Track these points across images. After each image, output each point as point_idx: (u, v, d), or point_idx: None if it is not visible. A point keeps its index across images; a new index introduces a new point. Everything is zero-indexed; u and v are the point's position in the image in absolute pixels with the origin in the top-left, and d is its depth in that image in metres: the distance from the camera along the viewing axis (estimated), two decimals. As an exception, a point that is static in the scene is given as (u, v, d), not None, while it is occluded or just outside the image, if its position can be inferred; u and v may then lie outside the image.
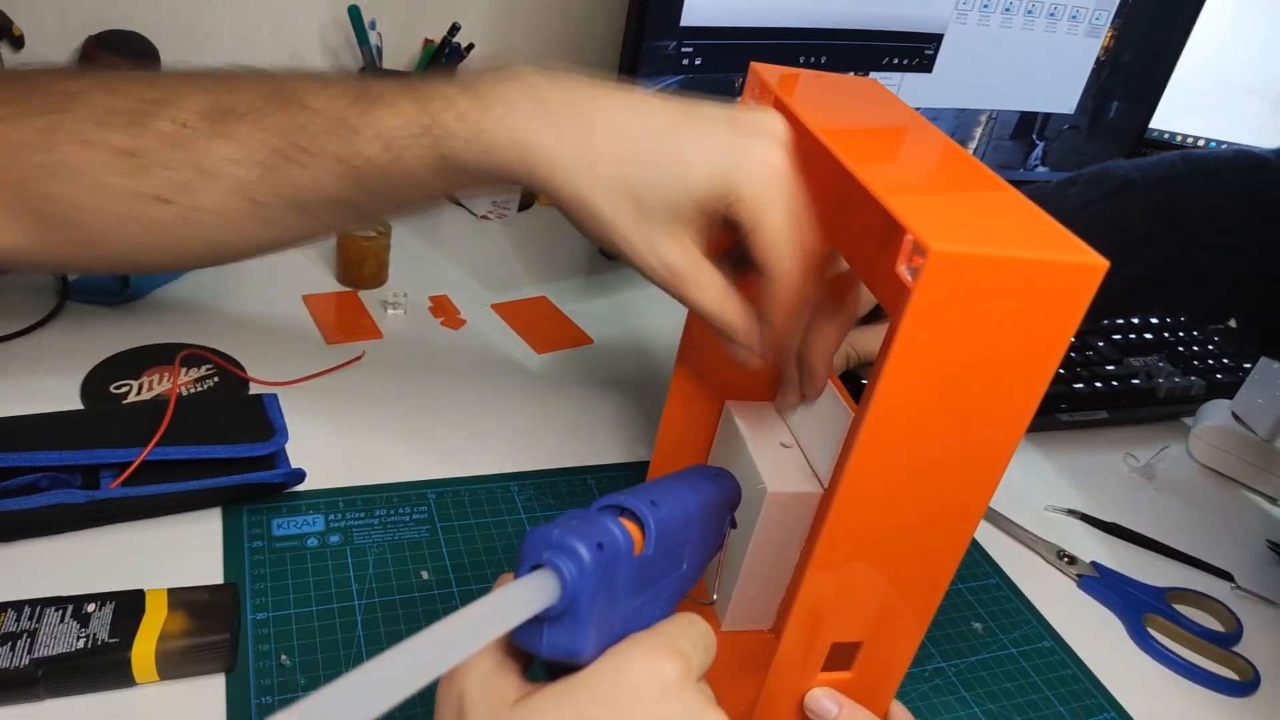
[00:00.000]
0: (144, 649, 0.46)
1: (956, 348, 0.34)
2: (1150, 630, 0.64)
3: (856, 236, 0.48)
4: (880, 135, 0.42)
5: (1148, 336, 0.97)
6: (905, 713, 0.47)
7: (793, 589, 0.41)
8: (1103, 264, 0.33)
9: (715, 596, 0.47)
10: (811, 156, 0.48)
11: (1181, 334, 0.99)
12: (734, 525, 0.46)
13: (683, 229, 0.43)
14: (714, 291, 0.44)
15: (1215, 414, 0.85)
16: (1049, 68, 0.97)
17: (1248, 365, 0.96)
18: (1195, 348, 0.97)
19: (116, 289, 0.74)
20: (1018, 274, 0.32)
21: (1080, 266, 0.33)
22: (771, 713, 0.45)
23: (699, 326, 0.55)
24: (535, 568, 0.32)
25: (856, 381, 0.77)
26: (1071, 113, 1.01)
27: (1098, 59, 0.98)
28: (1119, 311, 0.73)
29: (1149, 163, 0.66)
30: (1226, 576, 0.72)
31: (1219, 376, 0.93)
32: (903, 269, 0.33)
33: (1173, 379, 0.90)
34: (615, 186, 0.41)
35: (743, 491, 0.53)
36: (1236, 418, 0.83)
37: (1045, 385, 0.36)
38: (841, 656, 0.44)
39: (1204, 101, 1.10)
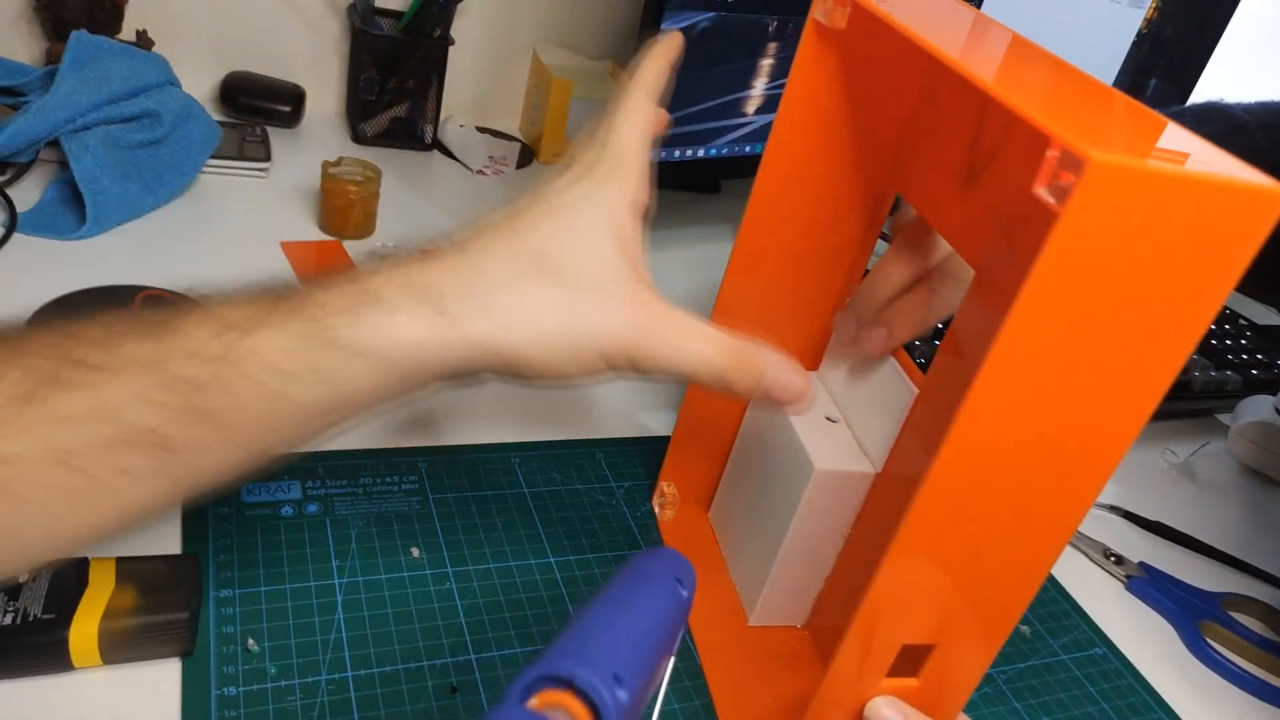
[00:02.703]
0: (84, 629, 0.39)
1: (1102, 293, 0.28)
2: (1207, 638, 0.59)
3: (936, 168, 0.42)
4: (985, 49, 0.36)
5: (1180, 328, 0.92)
6: (972, 727, 0.41)
7: (862, 581, 0.35)
8: (1287, 192, 0.27)
9: None
10: (892, 66, 0.42)
11: (1213, 327, 0.94)
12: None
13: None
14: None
15: (1258, 410, 0.79)
16: (1088, 38, 0.92)
17: (1282, 362, 0.91)
18: (1229, 341, 0.92)
19: (74, 224, 0.67)
20: (1189, 196, 0.26)
21: (1263, 191, 0.27)
22: (823, 723, 0.39)
23: (734, 282, 0.49)
24: None
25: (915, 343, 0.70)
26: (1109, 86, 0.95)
27: (1139, 31, 0.93)
28: None
29: (1256, 106, 0.60)
30: (1276, 583, 0.66)
31: (1254, 373, 0.88)
32: (1042, 191, 0.27)
33: (1208, 373, 0.85)
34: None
35: (784, 470, 0.47)
36: (1281, 414, 0.78)
37: (1197, 341, 0.29)
38: (908, 661, 0.38)
39: (1243, 81, 1.05)
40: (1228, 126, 0.59)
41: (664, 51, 0.42)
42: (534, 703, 0.27)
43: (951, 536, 0.33)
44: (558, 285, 0.36)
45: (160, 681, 0.40)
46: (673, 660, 0.35)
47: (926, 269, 0.45)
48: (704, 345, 0.37)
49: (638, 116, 0.40)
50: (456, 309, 0.34)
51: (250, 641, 0.43)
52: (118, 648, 0.40)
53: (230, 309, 0.33)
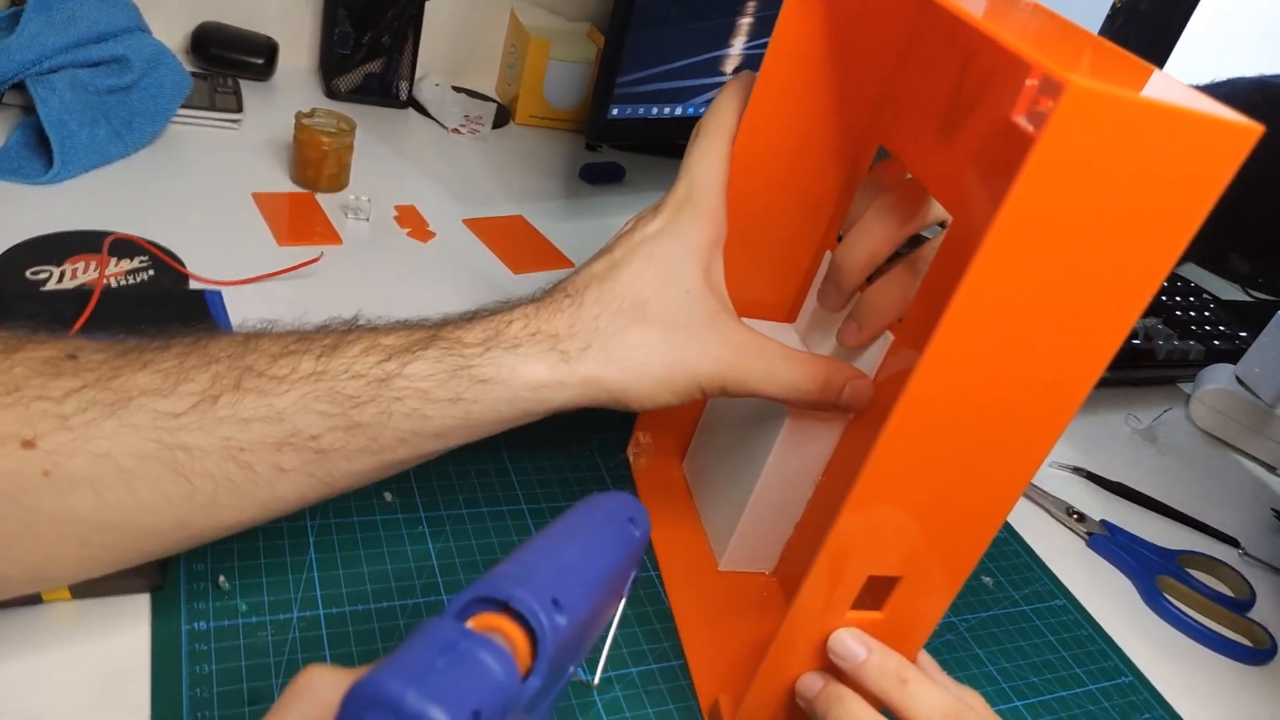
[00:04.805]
0: (53, 559, 0.38)
1: (1076, 221, 0.28)
2: (1164, 593, 0.60)
3: (920, 113, 0.42)
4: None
5: (1145, 299, 0.93)
6: (934, 664, 0.42)
7: (824, 524, 0.35)
8: (1257, 129, 0.27)
9: (596, 680, 0.36)
10: (878, 12, 0.42)
11: (1179, 299, 0.96)
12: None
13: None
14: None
15: (1218, 378, 0.81)
16: (1062, 9, 0.92)
17: (1243, 333, 0.93)
18: (1192, 313, 0.94)
19: (40, 168, 0.65)
20: (1164, 125, 0.27)
21: (1237, 127, 0.27)
22: (788, 654, 0.39)
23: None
24: None
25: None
26: (1082, 60, 0.96)
27: (1114, 5, 0.93)
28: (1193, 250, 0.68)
29: (1227, 91, 0.61)
30: (1232, 543, 0.68)
31: (1216, 343, 0.90)
32: (1021, 119, 0.27)
33: (1171, 342, 0.87)
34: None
35: (757, 419, 0.48)
36: (1241, 382, 0.80)
37: (1162, 280, 0.30)
38: (872, 594, 0.38)
39: (1212, 59, 1.06)
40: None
41: (738, 92, 0.44)
42: (470, 625, 0.26)
43: (916, 470, 0.34)
44: (656, 327, 0.40)
45: (130, 615, 0.40)
46: (623, 602, 0.35)
47: (902, 236, 0.44)
48: (787, 370, 0.41)
49: (713, 157, 0.43)
50: (574, 353, 0.39)
51: (221, 579, 0.43)
52: (86, 581, 0.39)
53: (387, 338, 0.38)
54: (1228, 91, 0.65)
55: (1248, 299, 1.10)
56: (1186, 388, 0.86)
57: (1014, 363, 0.31)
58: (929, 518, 0.36)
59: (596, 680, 0.36)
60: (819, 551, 0.36)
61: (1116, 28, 0.97)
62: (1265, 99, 0.60)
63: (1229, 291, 1.10)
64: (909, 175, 0.44)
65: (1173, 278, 1.00)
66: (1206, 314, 0.95)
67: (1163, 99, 0.26)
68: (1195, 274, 1.13)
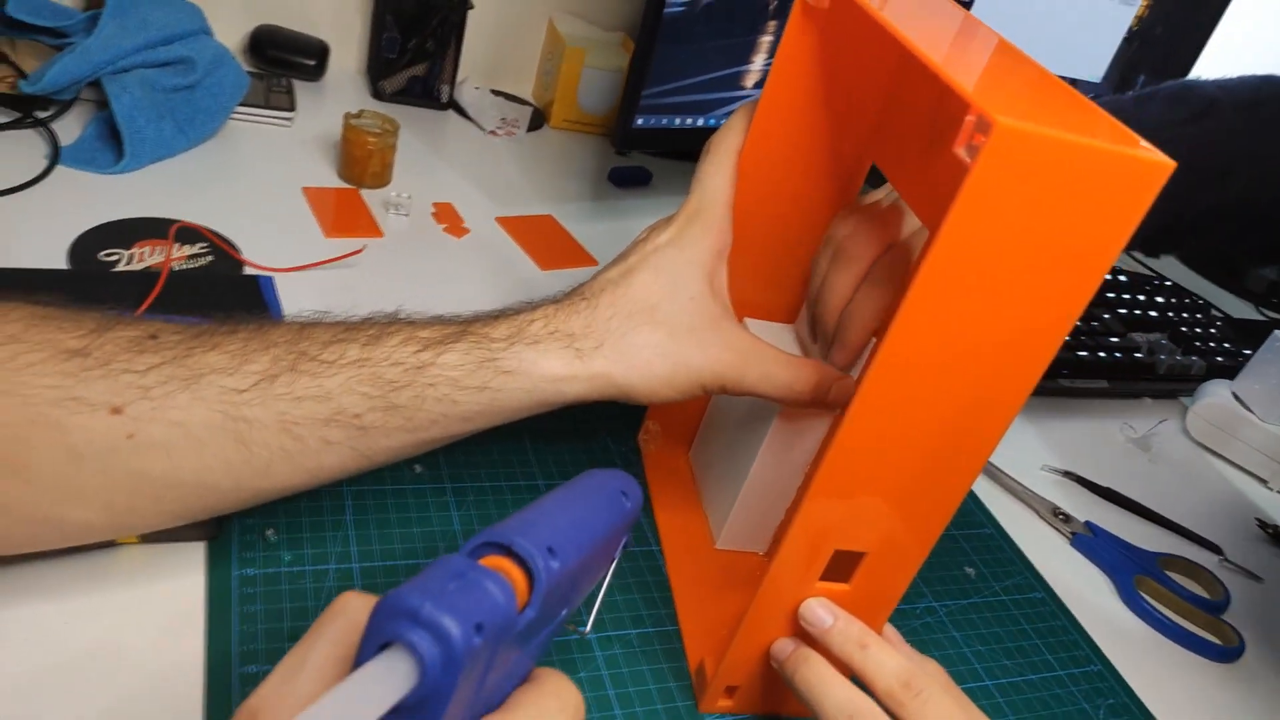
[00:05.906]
0: (124, 507, 0.44)
1: (1005, 244, 0.32)
2: (1141, 592, 0.64)
3: (906, 138, 0.46)
4: (943, 32, 0.41)
5: (1152, 314, 0.96)
6: (898, 636, 0.46)
7: (795, 504, 0.40)
8: (1169, 164, 0.31)
9: (588, 630, 0.40)
10: (869, 44, 0.46)
11: (1185, 315, 0.99)
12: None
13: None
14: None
15: (1215, 393, 0.84)
16: (1080, 32, 0.96)
17: (1247, 351, 0.95)
18: (1198, 329, 0.97)
19: (111, 159, 0.72)
20: (1082, 162, 0.31)
21: (1148, 163, 0.31)
22: (763, 620, 0.44)
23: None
24: (385, 646, 0.26)
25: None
26: (1098, 81, 0.99)
27: (1130, 29, 0.97)
28: (1182, 241, 0.69)
29: (1232, 83, 0.62)
30: (1214, 549, 0.71)
31: (1219, 359, 0.93)
32: (961, 151, 0.31)
33: (1174, 357, 0.90)
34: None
35: (755, 412, 0.52)
36: (1237, 398, 0.83)
37: (1091, 293, 0.34)
38: (841, 568, 0.43)
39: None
40: (1199, 107, 0.61)
41: (745, 114, 0.49)
42: (478, 562, 0.31)
43: (875, 457, 0.38)
44: (663, 330, 0.45)
45: (189, 560, 0.46)
46: (615, 563, 0.40)
47: (866, 274, 0.48)
48: (782, 372, 0.46)
49: (722, 173, 0.48)
50: (588, 351, 0.44)
51: (269, 532, 0.48)
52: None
53: (423, 331, 0.43)
54: (1235, 83, 0.66)
55: (1259, 318, 1.12)
56: (1187, 401, 0.89)
57: (959, 364, 0.36)
58: (890, 500, 0.40)
59: (589, 629, 0.40)
60: (790, 526, 0.40)
61: (1133, 51, 1.00)
62: (1270, 91, 0.61)
63: (1242, 310, 1.13)
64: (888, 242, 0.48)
65: (1182, 293, 1.03)
66: (1213, 330, 0.98)
67: (1083, 138, 0.31)
68: (1209, 291, 1.15)
